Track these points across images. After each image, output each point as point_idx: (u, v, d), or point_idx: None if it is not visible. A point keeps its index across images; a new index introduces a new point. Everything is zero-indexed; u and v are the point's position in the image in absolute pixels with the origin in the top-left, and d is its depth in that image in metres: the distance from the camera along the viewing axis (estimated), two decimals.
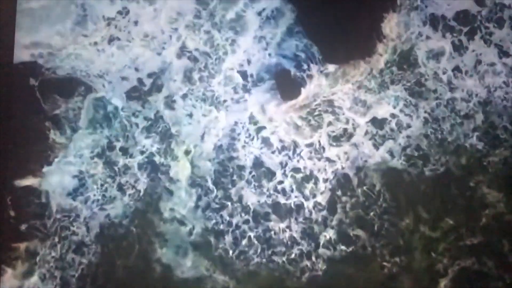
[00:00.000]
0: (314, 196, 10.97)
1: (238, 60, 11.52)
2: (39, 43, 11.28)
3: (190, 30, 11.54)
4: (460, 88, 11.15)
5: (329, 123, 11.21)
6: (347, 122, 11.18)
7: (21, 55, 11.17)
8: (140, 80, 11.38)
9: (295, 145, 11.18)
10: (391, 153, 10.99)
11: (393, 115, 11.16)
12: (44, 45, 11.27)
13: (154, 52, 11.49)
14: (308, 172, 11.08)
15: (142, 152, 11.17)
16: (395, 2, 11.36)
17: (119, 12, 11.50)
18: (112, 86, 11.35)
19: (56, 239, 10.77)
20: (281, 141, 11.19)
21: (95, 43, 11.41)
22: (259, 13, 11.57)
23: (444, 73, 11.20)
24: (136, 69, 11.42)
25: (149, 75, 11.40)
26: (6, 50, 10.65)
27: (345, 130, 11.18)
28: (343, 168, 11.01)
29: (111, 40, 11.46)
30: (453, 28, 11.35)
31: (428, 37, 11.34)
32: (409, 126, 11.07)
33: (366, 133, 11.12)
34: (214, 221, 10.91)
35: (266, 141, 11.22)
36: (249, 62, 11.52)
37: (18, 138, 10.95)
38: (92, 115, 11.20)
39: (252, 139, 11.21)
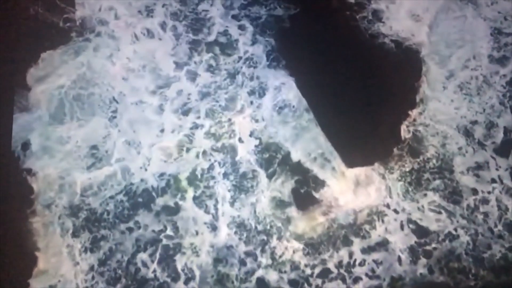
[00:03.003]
0: None
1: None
2: None
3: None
4: (496, 204, 10.38)
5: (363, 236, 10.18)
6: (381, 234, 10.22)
7: None
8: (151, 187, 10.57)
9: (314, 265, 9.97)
10: (429, 266, 9.97)
11: (431, 225, 10.27)
12: None
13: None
14: None
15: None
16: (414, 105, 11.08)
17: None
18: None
19: None
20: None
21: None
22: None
23: (482, 189, 10.49)
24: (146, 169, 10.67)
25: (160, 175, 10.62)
26: None
27: (378, 242, 10.17)
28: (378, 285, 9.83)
29: None
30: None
31: (460, 149, 10.82)
32: (445, 238, 10.17)
33: (402, 243, 10.15)
34: None
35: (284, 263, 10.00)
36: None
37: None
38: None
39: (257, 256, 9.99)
